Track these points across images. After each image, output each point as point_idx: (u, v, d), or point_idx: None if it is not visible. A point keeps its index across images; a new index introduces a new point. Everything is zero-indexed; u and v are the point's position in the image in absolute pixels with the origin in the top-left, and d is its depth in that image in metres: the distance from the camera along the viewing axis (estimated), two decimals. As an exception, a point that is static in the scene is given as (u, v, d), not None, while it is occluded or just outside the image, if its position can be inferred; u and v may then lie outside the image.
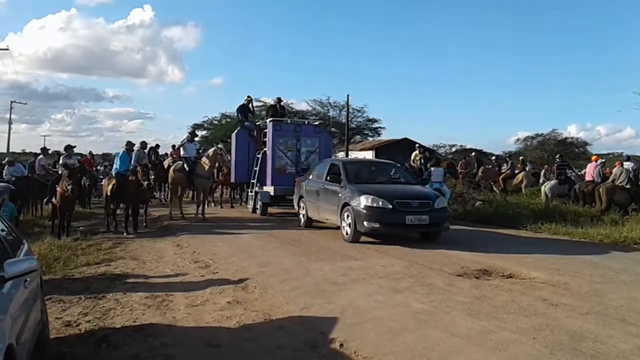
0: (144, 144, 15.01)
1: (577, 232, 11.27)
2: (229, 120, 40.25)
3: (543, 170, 20.76)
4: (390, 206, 9.36)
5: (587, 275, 7.15)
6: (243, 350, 4.60)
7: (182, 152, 15.22)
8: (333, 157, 16.97)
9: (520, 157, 24.69)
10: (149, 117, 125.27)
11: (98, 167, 23.23)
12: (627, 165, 15.35)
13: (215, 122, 43.34)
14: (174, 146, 20.82)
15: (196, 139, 17.38)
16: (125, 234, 11.52)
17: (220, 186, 18.40)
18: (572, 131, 74.90)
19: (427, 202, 9.68)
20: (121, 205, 12.42)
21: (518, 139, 47.20)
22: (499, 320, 5.04)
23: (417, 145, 17.34)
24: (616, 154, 43.14)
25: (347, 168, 10.91)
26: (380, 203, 9.39)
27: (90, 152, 23.74)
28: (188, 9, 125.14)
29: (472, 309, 5.40)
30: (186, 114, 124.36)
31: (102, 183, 16.05)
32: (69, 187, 10.54)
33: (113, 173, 12.58)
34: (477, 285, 6.50)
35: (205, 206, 14.85)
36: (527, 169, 21.40)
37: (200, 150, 17.82)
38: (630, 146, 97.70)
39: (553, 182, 16.91)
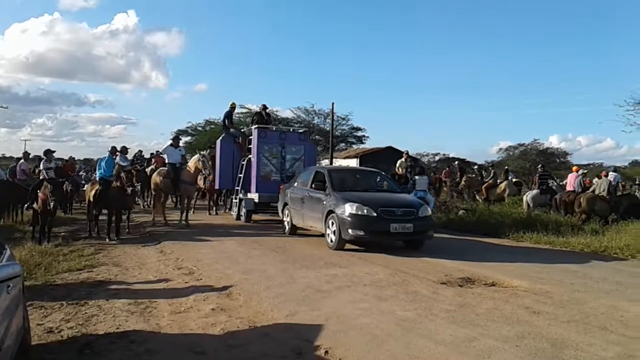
0: (124, 149, 14.93)
1: (558, 241, 11.43)
2: (213, 126, 40.13)
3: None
4: (375, 214, 9.41)
5: (568, 283, 7.26)
6: (228, 357, 4.58)
7: (166, 158, 15.11)
8: (317, 164, 17.00)
9: (506, 167, 24.96)
10: (132, 122, 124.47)
11: (80, 173, 23.00)
12: (612, 176, 15.61)
13: (200, 129, 43.16)
14: (157, 152, 20.70)
15: (180, 144, 17.21)
16: (107, 240, 11.40)
17: (207, 193, 18.22)
18: (553, 141, 76.01)
19: (412, 211, 9.74)
20: (103, 210, 12.30)
21: (500, 149, 47.80)
22: (482, 327, 5.09)
23: (404, 152, 17.43)
24: (596, 164, 43.94)
25: (332, 176, 10.94)
26: (365, 211, 9.43)
27: (72, 157, 23.47)
28: (172, 15, 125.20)
29: (455, 317, 5.45)
30: (170, 119, 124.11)
31: (84, 188, 15.90)
32: (52, 202, 10.49)
33: (97, 178, 12.46)
34: (461, 293, 6.55)
35: (189, 213, 14.77)
36: (509, 178, 21.66)
37: (186, 157, 17.72)
38: (609, 157, 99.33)
39: (535, 191, 17.15)
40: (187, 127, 43.42)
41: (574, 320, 5.43)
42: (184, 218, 14.10)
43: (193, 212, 17.10)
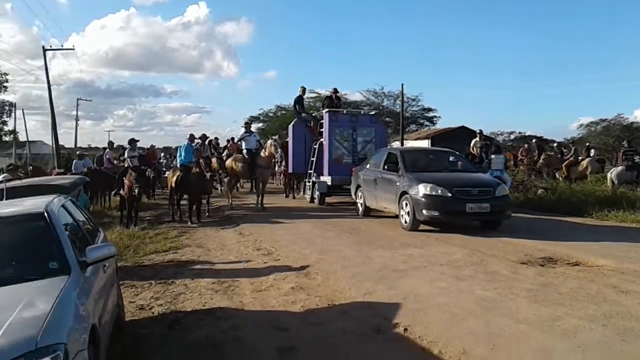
0: (204, 137, 15.46)
1: (647, 219, 10.80)
2: (283, 112, 40.75)
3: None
4: (450, 194, 9.27)
5: (659, 263, 6.88)
6: (309, 334, 4.73)
7: (243, 144, 15.55)
8: (389, 146, 16.90)
9: (587, 144, 23.74)
10: (206, 111, 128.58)
11: (160, 160, 24.12)
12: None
13: (271, 115, 44.04)
14: (232, 139, 21.30)
15: (252, 129, 17.63)
16: (189, 223, 11.95)
17: (284, 177, 18.61)
18: (638, 116, 71.19)
19: (488, 190, 9.52)
20: (185, 196, 12.87)
21: (581, 125, 45.39)
22: (566, 307, 4.94)
23: (478, 131, 16.97)
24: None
25: (404, 157, 10.87)
26: (439, 191, 9.31)
27: (152, 146, 24.67)
28: (241, 5, 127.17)
29: (537, 296, 5.33)
30: (242, 107, 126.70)
31: (166, 175, 16.68)
32: (136, 189, 11.14)
33: (177, 165, 13.04)
34: (542, 273, 6.37)
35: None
36: (591, 155, 20.61)
37: (261, 141, 18.13)
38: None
39: (620, 168, 16.20)
40: (259, 114, 44.47)
41: (666, 300, 5.16)
42: (259, 201, 14.49)
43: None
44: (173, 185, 12.73)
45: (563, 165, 19.46)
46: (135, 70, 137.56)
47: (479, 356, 3.94)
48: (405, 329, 4.64)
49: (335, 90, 16.57)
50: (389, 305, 5.35)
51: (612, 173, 16.09)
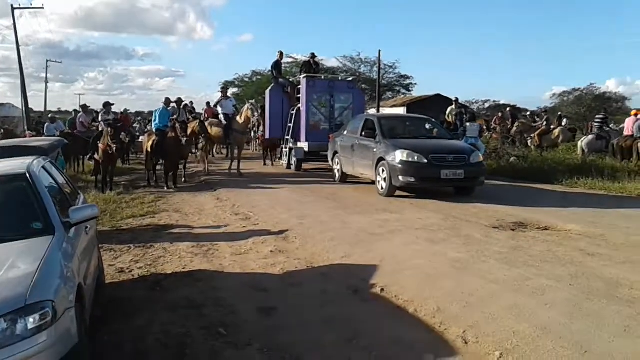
0: (179, 101, 15.25)
1: (614, 186, 11.15)
2: (259, 77, 40.29)
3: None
4: (426, 160, 9.43)
5: (624, 227, 7.16)
6: (289, 294, 4.85)
7: (219, 109, 15.43)
8: (365, 113, 16.94)
9: (559, 113, 24.13)
10: (180, 75, 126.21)
11: (134, 125, 23.76)
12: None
13: (246, 80, 43.46)
14: (208, 103, 21.08)
15: (228, 94, 17.47)
16: (165, 188, 11.91)
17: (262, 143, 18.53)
18: (610, 86, 72.47)
19: (463, 157, 9.70)
20: (160, 160, 12.78)
21: (554, 94, 45.98)
22: (535, 268, 5.16)
23: (454, 99, 17.10)
24: (656, 109, 41.74)
25: (382, 123, 10.95)
26: (416, 157, 9.45)
27: (126, 110, 24.23)
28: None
29: (508, 258, 5.54)
30: (217, 71, 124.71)
31: (140, 139, 16.48)
32: (114, 146, 10.99)
33: (153, 129, 12.90)
34: (514, 237, 6.61)
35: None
36: (563, 124, 20.98)
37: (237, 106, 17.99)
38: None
39: (590, 137, 16.59)
40: (234, 79, 43.81)
41: (629, 261, 5.42)
42: (234, 167, 14.48)
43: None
44: (149, 150, 12.60)
45: (535, 133, 19.79)
46: (105, 32, 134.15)
47: (453, 313, 4.12)
48: (382, 289, 4.80)
49: (313, 56, 16.47)
50: (366, 267, 5.50)
51: (583, 142, 16.46)
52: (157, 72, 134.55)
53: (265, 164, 17.50)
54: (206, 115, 18.17)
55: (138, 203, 9.92)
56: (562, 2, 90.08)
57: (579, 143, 16.78)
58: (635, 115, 15.23)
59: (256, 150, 20.74)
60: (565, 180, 12.17)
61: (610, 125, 17.93)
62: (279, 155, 17.44)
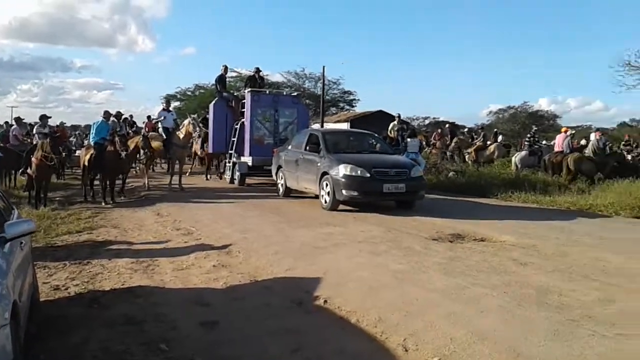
0: (119, 114, 14.89)
1: (545, 200, 11.72)
2: (202, 91, 39.94)
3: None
4: (369, 175, 9.61)
5: (554, 238, 7.55)
6: (232, 308, 4.82)
7: (159, 123, 15.17)
8: (310, 127, 17.10)
9: (495, 130, 25.20)
10: (119, 87, 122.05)
11: (70, 138, 22.94)
12: (593, 137, 15.90)
13: (189, 93, 43.00)
14: (149, 117, 20.69)
15: (170, 108, 17.21)
16: (103, 203, 11.54)
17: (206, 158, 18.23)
18: (543, 104, 76.31)
19: (404, 171, 9.95)
20: (98, 175, 12.40)
21: (490, 112, 47.99)
22: (472, 277, 5.36)
23: (396, 115, 17.48)
24: (585, 127, 44.31)
25: (326, 138, 11.09)
26: (359, 172, 9.62)
27: (62, 123, 23.33)
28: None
29: (447, 269, 5.72)
30: (158, 84, 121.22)
31: (77, 154, 15.93)
32: (52, 159, 10.61)
33: (91, 143, 12.51)
34: (451, 248, 6.83)
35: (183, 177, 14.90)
36: (498, 140, 21.90)
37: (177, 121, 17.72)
38: (599, 119, 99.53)
39: (523, 152, 17.43)
40: (177, 92, 43.27)
41: (558, 270, 5.72)
42: (175, 181, 14.24)
43: (188, 174, 17.22)
44: (86, 164, 12.21)
45: (472, 149, 20.57)
46: (41, 42, 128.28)
47: (394, 323, 4.21)
48: (326, 301, 4.85)
49: (258, 70, 16.50)
50: (310, 279, 5.54)
51: (517, 157, 17.25)
52: (95, 85, 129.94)
53: (207, 179, 17.28)
54: (146, 129, 17.81)
55: (74, 219, 9.55)
56: (499, 23, 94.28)
57: (513, 158, 17.57)
58: (565, 132, 16.13)
59: (197, 165, 20.42)
60: (500, 194, 12.69)
61: (542, 142, 18.89)
62: (222, 170, 17.29)
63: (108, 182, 11.87)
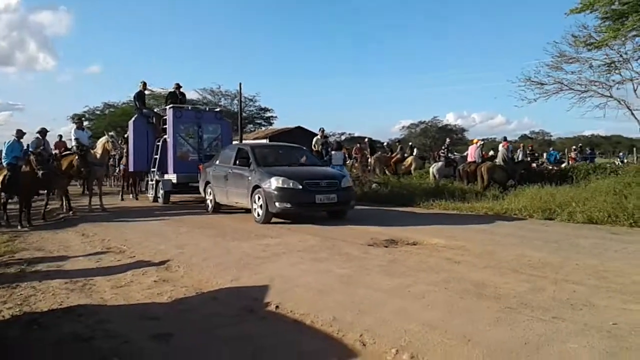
0: (43, 131, 13.98)
1: (464, 206, 12.43)
2: (112, 110, 38.63)
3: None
4: (301, 187, 9.78)
5: (479, 239, 8.06)
6: (182, 319, 4.76)
7: (73, 142, 14.51)
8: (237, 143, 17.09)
9: (410, 144, 26.33)
10: (18, 108, 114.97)
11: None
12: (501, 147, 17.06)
13: (98, 112, 41.45)
14: (60, 136, 19.75)
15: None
16: (19, 227, 10.89)
17: (123, 177, 17.55)
18: (450, 118, 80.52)
19: (335, 182, 10.22)
20: (10, 197, 11.72)
21: (403, 127, 50.07)
22: (413, 277, 5.64)
23: (320, 129, 17.73)
24: (490, 139, 47.24)
25: (255, 152, 11.17)
26: (291, 184, 9.77)
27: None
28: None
29: (388, 270, 5.98)
30: (62, 103, 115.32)
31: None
32: None
33: (4, 163, 11.77)
34: (389, 252, 7.12)
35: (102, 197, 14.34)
36: (414, 153, 22.91)
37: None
38: (501, 132, 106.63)
39: (440, 163, 18.35)
40: (84, 112, 41.60)
41: (490, 266, 6.14)
42: (95, 202, 13.68)
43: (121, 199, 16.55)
44: (-1, 185, 11.49)
45: (391, 162, 21.38)
46: None
47: (348, 321, 4.36)
48: (277, 307, 4.91)
49: (178, 86, 16.24)
50: (257, 288, 5.57)
51: (434, 168, 18.13)
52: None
53: (122, 199, 16.65)
54: (58, 149, 16.97)
55: (-10, 244, 8.97)
56: (399, 40, 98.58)
57: (431, 169, 18.44)
58: (477, 143, 17.19)
59: (114, 184, 19.66)
60: (422, 203, 13.30)
61: (455, 153, 20.01)
62: (143, 188, 16.82)
63: (24, 204, 11.23)
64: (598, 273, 5.75)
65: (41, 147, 12.28)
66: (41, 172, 11.02)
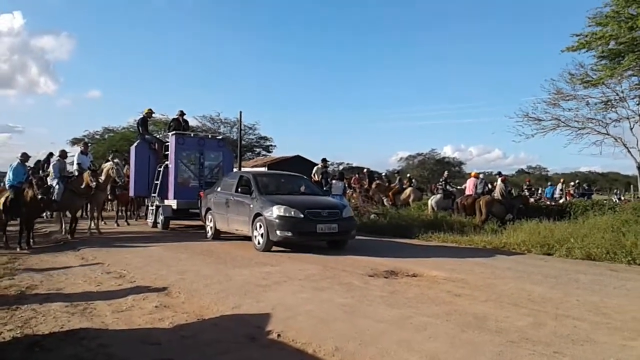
0: (63, 154, 14.04)
1: (463, 239, 12.49)
2: (112, 134, 38.81)
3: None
4: (302, 215, 9.83)
5: (479, 273, 8.10)
6: (184, 345, 4.77)
7: (75, 166, 14.59)
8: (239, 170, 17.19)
9: (408, 175, 26.48)
10: (18, 130, 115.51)
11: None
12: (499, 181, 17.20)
13: (97, 137, 41.65)
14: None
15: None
16: (18, 249, 10.91)
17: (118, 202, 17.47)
18: (447, 151, 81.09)
19: (336, 212, 10.28)
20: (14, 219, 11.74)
21: (401, 158, 50.37)
22: (414, 308, 5.67)
23: (322, 159, 17.86)
24: (486, 173, 47.47)
25: (257, 180, 11.25)
26: (293, 213, 9.82)
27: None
28: (60, 19, 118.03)
29: (389, 301, 6.01)
30: (61, 127, 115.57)
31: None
32: None
33: (7, 186, 11.84)
34: (389, 283, 7.15)
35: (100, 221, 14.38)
36: (413, 184, 23.03)
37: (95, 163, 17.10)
38: (498, 166, 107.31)
39: (438, 196, 18.45)
40: (84, 136, 41.81)
41: (490, 299, 6.18)
42: (93, 226, 13.71)
43: (105, 223, 16.50)
44: (0, 208, 11.52)
45: (390, 192, 21.48)
46: None
47: (350, 351, 4.38)
48: (279, 335, 4.92)
49: (182, 113, 16.45)
50: (259, 315, 5.59)
51: (432, 200, 18.23)
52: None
53: (117, 225, 16.57)
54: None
55: (-11, 266, 8.96)
56: (399, 72, 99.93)
57: (429, 201, 18.53)
58: (476, 176, 17.33)
59: (112, 208, 19.61)
60: (421, 235, 13.35)
61: (454, 186, 20.15)
62: (142, 214, 16.83)
63: (25, 226, 11.27)
64: (598, 309, 5.80)
65: (66, 170, 12.51)
66: (41, 195, 11.10)
